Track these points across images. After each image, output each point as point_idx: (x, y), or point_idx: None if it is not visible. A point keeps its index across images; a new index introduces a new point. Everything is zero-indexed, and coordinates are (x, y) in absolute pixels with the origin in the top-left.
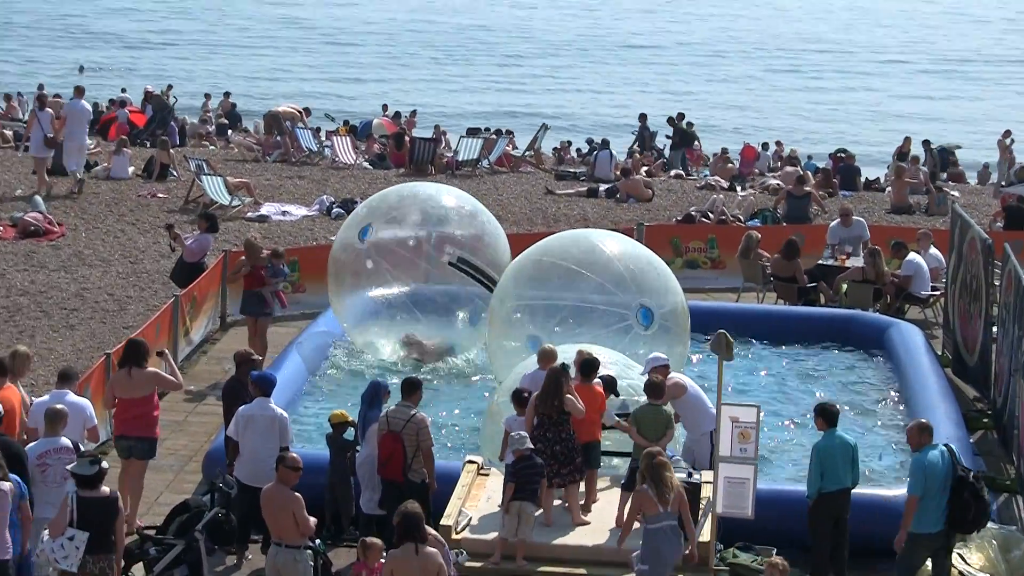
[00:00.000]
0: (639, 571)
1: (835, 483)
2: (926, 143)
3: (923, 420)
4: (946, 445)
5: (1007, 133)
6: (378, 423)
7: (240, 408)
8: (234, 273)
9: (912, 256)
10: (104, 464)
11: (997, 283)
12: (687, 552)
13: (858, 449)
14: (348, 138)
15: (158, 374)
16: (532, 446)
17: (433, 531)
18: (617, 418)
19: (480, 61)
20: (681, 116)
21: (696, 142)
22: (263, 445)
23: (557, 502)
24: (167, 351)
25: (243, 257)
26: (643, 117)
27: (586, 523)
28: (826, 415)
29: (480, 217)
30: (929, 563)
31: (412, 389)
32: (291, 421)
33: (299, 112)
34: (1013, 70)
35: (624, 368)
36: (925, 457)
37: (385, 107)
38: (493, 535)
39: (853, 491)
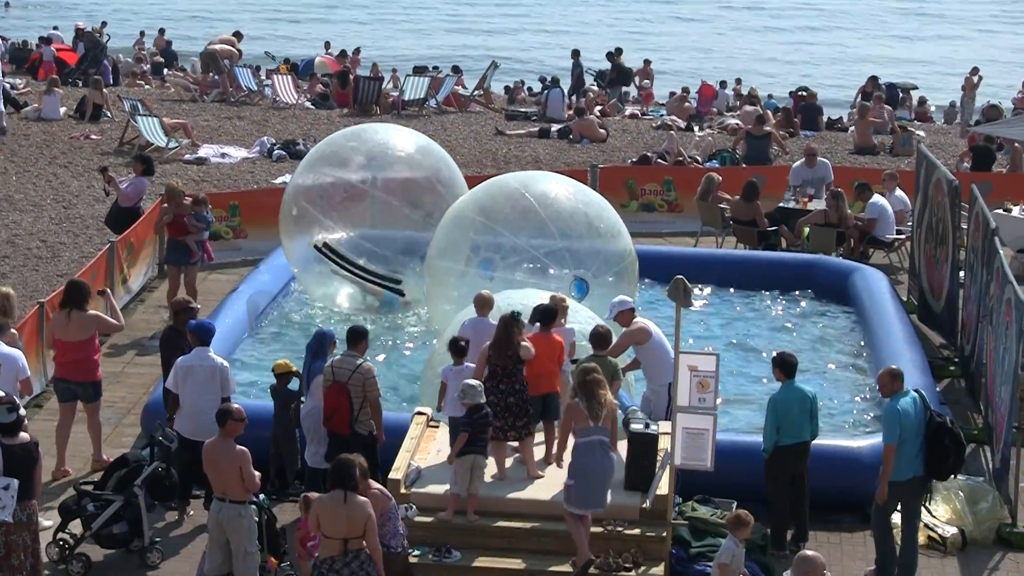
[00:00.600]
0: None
1: (792, 436)
2: (873, 79)
3: (893, 367)
4: (917, 391)
5: (975, 70)
6: (323, 374)
7: (179, 359)
8: (159, 222)
9: (876, 198)
10: (22, 411)
11: (964, 226)
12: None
13: (817, 401)
14: (289, 77)
15: (99, 317)
16: (484, 398)
17: (379, 486)
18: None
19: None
20: (619, 51)
21: (647, 80)
22: (203, 397)
23: (510, 461)
24: (108, 290)
25: (165, 204)
26: (575, 54)
27: (540, 476)
28: (784, 366)
29: (434, 158)
30: (897, 517)
31: (358, 338)
32: (232, 371)
33: (236, 49)
34: (980, 8)
35: (573, 313)
36: (898, 404)
37: (328, 44)
38: (444, 488)
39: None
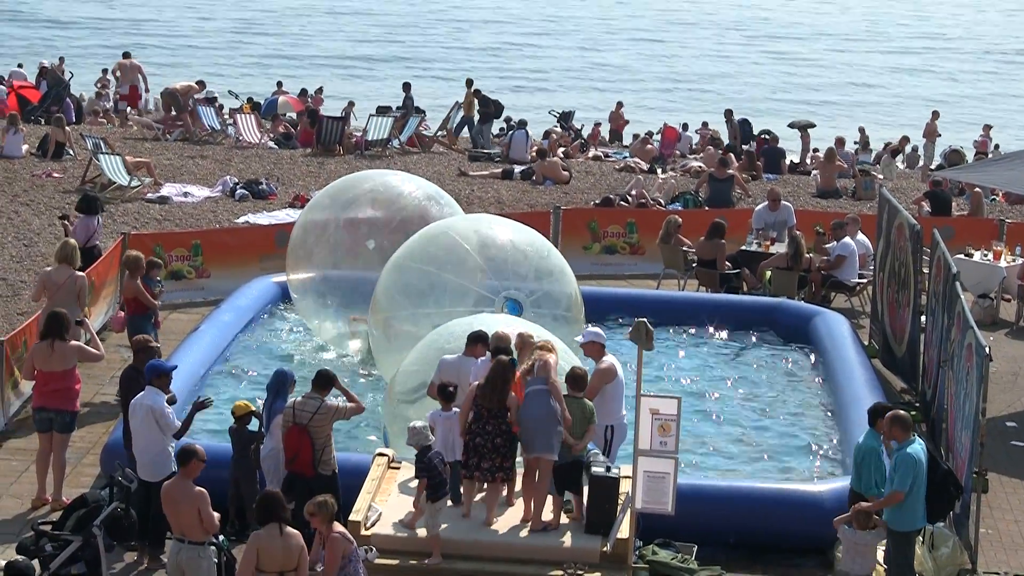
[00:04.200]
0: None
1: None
2: (728, 112)
3: (900, 412)
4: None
5: (935, 115)
6: (283, 415)
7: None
8: (146, 297)
9: (847, 239)
10: None
11: (926, 271)
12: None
13: (861, 454)
14: (252, 116)
15: (81, 347)
16: (431, 439)
17: (341, 528)
18: None
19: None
20: (470, 82)
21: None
22: (144, 437)
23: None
24: (87, 319)
25: (133, 278)
26: (407, 87)
27: (494, 523)
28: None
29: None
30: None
31: (324, 384)
32: (188, 411)
33: (197, 84)
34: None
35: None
36: (916, 452)
37: (280, 84)
38: (404, 531)
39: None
